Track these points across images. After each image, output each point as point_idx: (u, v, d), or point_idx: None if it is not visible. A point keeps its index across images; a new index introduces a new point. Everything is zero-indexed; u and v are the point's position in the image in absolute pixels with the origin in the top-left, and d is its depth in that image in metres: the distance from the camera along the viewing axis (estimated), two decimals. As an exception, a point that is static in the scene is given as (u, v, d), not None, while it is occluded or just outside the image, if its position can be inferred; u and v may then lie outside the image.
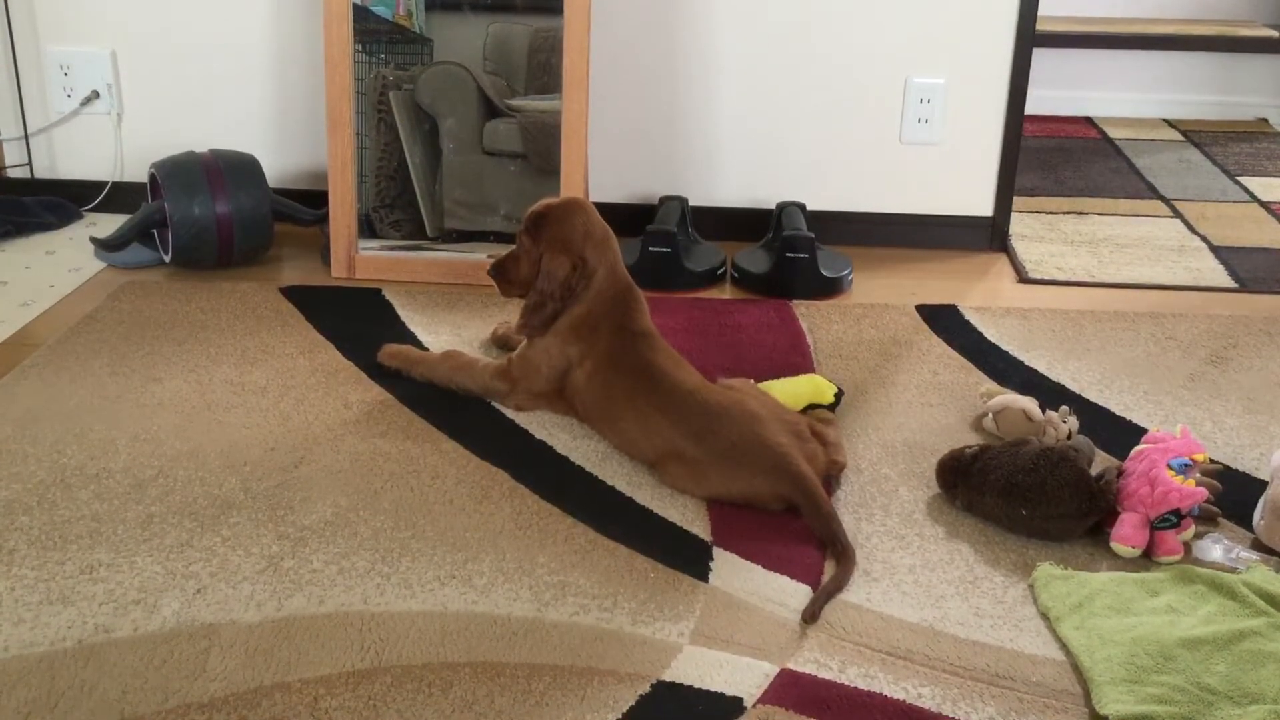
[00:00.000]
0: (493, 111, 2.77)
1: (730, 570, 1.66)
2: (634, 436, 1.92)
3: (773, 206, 2.83)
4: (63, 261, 2.70)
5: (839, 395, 2.07)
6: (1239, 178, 3.55)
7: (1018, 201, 3.01)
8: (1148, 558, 1.70)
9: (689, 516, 1.78)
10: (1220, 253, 2.93)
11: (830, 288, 2.61)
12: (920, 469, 1.92)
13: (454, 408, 2.07)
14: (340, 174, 2.61)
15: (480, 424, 2.03)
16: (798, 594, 1.61)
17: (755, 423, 1.81)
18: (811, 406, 2.04)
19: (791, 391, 2.04)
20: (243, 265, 2.68)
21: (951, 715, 1.41)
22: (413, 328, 2.39)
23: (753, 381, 2.03)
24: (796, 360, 2.28)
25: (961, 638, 1.54)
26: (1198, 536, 1.74)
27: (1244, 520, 1.79)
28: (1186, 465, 1.74)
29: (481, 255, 2.66)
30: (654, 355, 1.95)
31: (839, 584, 1.62)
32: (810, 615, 1.56)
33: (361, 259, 2.64)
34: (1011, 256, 2.87)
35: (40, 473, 1.86)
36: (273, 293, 2.53)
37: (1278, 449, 1.92)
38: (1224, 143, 3.92)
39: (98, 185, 2.96)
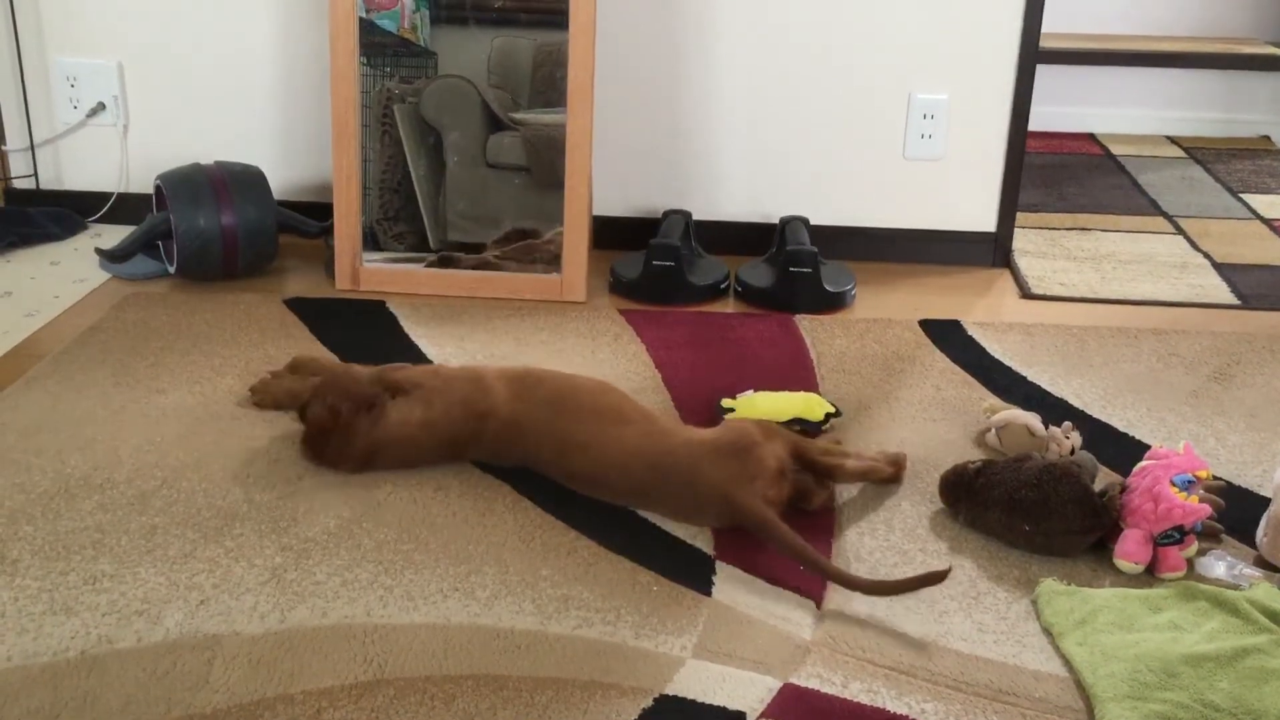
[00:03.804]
0: (497, 125, 2.78)
1: (733, 584, 1.66)
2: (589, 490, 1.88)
3: (776, 221, 2.84)
4: (67, 272, 2.71)
5: (831, 415, 2.07)
6: (1242, 195, 3.56)
7: (1021, 217, 3.02)
8: (1151, 574, 1.70)
9: (692, 530, 1.78)
10: (1223, 270, 2.93)
11: (833, 302, 2.62)
12: (923, 484, 1.92)
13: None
14: (345, 186, 2.61)
15: (484, 437, 2.03)
16: (801, 608, 1.61)
17: (690, 471, 1.77)
18: (798, 422, 2.03)
19: (778, 407, 2.04)
20: (247, 277, 2.68)
21: (954, 731, 1.41)
22: (416, 340, 2.40)
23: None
24: (800, 375, 2.28)
25: (964, 653, 1.54)
26: (1201, 553, 1.74)
27: (1247, 537, 1.78)
28: (1190, 482, 1.74)
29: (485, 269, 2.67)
30: (567, 427, 1.86)
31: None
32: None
33: (366, 271, 2.65)
34: (1014, 272, 2.87)
35: (44, 483, 1.86)
36: (277, 304, 2.54)
37: (1281, 466, 1.92)
38: (1227, 160, 3.93)
39: (103, 196, 2.97)
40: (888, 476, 1.90)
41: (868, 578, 1.64)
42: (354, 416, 1.89)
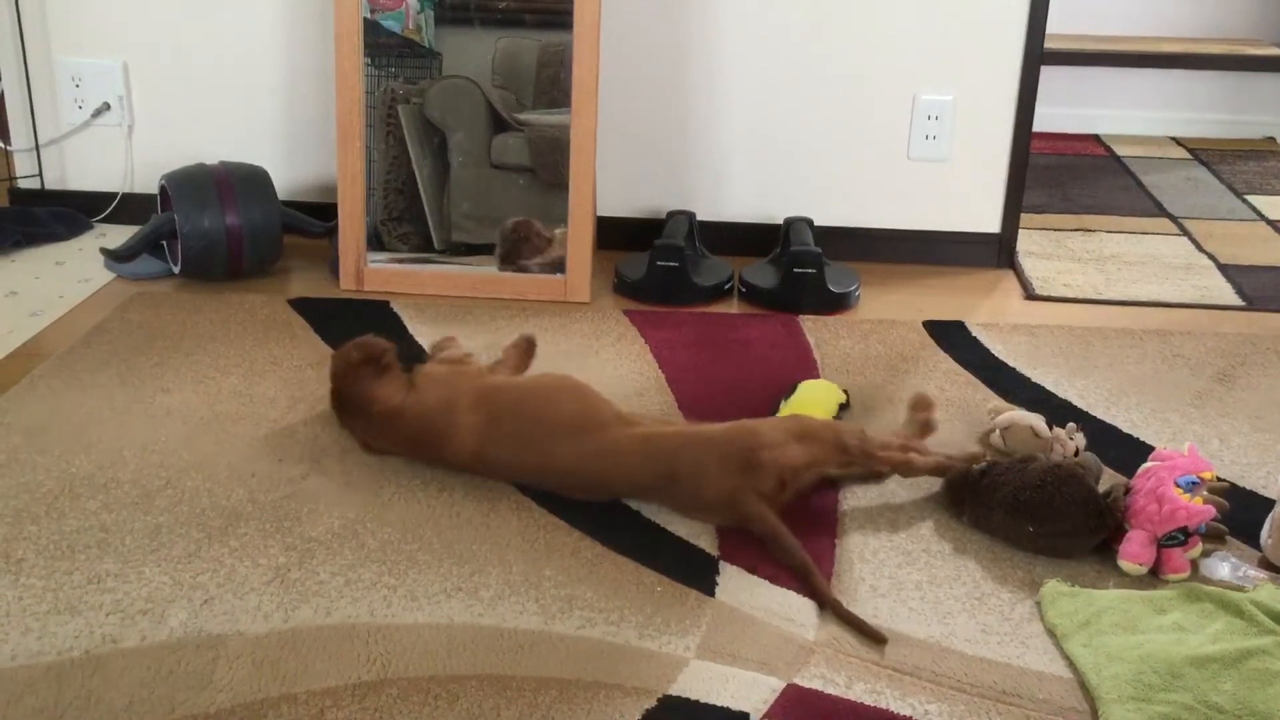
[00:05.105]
0: (501, 125, 2.78)
1: (737, 585, 1.66)
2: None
3: (780, 222, 2.84)
4: (72, 272, 2.71)
5: (846, 397, 2.11)
6: (1246, 196, 3.55)
7: (1025, 218, 3.02)
8: (1155, 575, 1.70)
9: (696, 530, 1.78)
10: (1227, 271, 2.93)
11: (838, 303, 2.62)
12: (927, 485, 1.91)
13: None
14: (350, 187, 2.62)
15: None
16: (804, 609, 1.61)
17: (695, 474, 1.77)
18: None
19: (815, 398, 2.07)
20: (252, 277, 2.68)
21: (958, 732, 1.41)
22: (421, 340, 2.40)
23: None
24: (804, 376, 2.28)
25: (968, 654, 1.54)
26: (1205, 554, 1.74)
27: (1251, 538, 1.78)
28: (1194, 483, 1.74)
29: (491, 268, 2.67)
30: (548, 446, 1.84)
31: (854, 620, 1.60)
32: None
33: (370, 271, 2.65)
34: (1019, 273, 2.87)
35: (49, 482, 1.86)
36: (281, 305, 2.54)
37: (1285, 467, 1.92)
38: (1231, 161, 3.93)
39: (108, 196, 2.98)
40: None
41: (838, 600, 1.62)
42: (362, 366, 1.93)
